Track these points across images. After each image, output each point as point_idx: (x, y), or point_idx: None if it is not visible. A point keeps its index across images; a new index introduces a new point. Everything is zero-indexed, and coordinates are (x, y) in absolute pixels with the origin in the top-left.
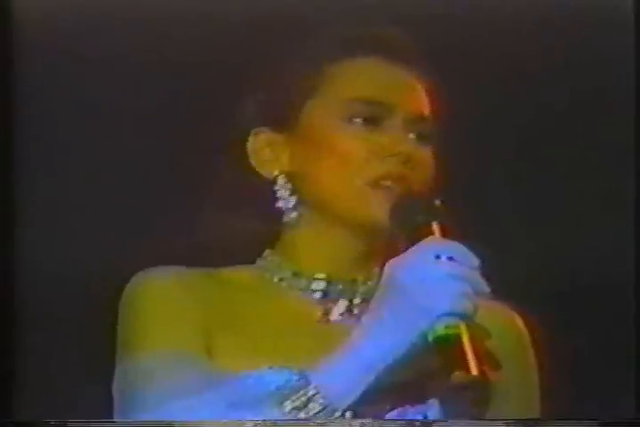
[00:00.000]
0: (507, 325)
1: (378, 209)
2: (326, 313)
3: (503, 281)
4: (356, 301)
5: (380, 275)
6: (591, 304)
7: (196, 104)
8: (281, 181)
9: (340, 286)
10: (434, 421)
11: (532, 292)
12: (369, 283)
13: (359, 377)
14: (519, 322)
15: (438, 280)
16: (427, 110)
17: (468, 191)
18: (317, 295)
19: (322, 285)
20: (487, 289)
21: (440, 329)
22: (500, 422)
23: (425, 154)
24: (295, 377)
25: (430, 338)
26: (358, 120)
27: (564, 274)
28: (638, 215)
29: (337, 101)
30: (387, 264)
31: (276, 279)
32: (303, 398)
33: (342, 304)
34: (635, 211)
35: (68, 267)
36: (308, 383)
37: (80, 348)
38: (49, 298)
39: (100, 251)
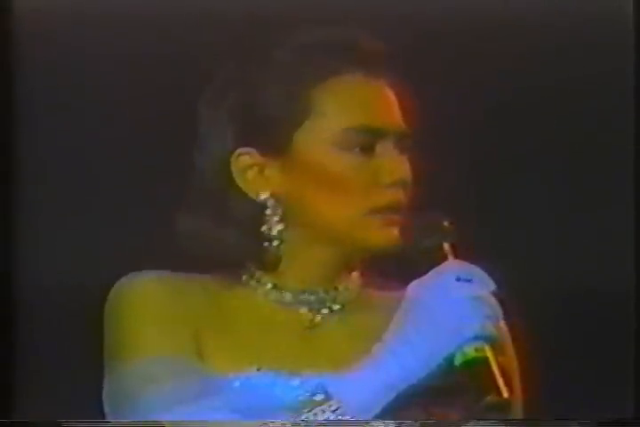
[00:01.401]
0: None
1: (379, 235)
2: (310, 320)
3: (504, 283)
4: (336, 307)
5: (360, 278)
6: (591, 304)
7: (173, 108)
8: (271, 205)
9: (322, 295)
10: (434, 421)
11: (533, 292)
12: (350, 287)
13: (380, 395)
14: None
15: (463, 303)
16: (406, 125)
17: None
18: (301, 305)
19: (304, 295)
20: (501, 313)
21: (470, 352)
22: (500, 423)
23: (409, 167)
24: (313, 388)
25: (460, 360)
26: (356, 149)
27: (564, 274)
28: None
29: (331, 130)
30: (409, 286)
31: (257, 290)
32: (325, 413)
33: (324, 311)
34: (635, 212)
35: (68, 268)
36: (329, 397)
37: (80, 348)
38: (49, 298)
39: (102, 252)
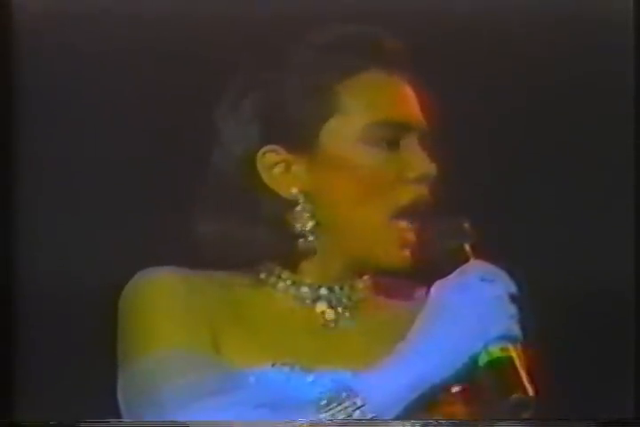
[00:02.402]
0: None
1: (393, 255)
2: (325, 317)
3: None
4: (351, 305)
5: (371, 280)
6: (591, 305)
7: (201, 112)
8: (300, 202)
9: (338, 293)
10: (433, 421)
11: (533, 291)
12: (361, 286)
13: (404, 393)
14: None
15: (488, 303)
16: (425, 122)
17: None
18: (318, 302)
19: (323, 292)
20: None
21: (495, 351)
22: (501, 423)
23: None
24: (336, 385)
25: (485, 360)
26: (382, 144)
27: (564, 275)
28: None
29: (356, 126)
30: (434, 285)
31: (275, 286)
32: (349, 409)
33: (339, 308)
34: (635, 213)
35: (68, 267)
36: (354, 394)
37: (80, 348)
38: (49, 298)
39: (102, 252)
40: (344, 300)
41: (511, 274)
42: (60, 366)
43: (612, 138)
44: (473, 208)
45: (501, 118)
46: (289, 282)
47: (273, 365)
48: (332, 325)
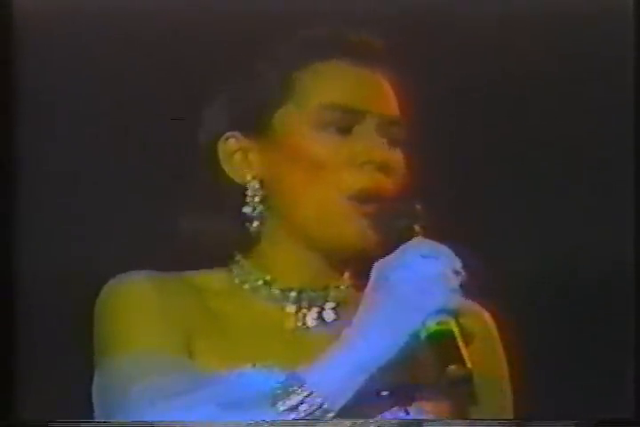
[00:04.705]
0: (475, 321)
1: (354, 229)
2: (300, 319)
3: (498, 280)
4: (329, 306)
5: (352, 278)
6: (591, 303)
7: (167, 107)
8: (252, 187)
9: (313, 294)
10: (431, 421)
11: (532, 291)
12: (341, 287)
13: (353, 378)
14: (487, 318)
15: (428, 279)
16: (397, 113)
17: (452, 192)
18: (290, 303)
19: (294, 293)
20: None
21: (432, 326)
22: (497, 423)
23: (398, 157)
24: (286, 377)
25: (423, 335)
26: (331, 128)
27: (562, 273)
28: (638, 216)
29: (309, 108)
30: (375, 265)
31: (247, 287)
32: (298, 398)
33: (315, 310)
34: (635, 211)
35: (68, 267)
36: (301, 383)
37: (80, 348)
38: (49, 298)
39: (101, 252)
40: (319, 301)
41: (504, 268)
42: (60, 367)
43: (604, 127)
44: (429, 192)
45: (475, 109)
46: (260, 282)
47: (254, 365)
48: (306, 327)
